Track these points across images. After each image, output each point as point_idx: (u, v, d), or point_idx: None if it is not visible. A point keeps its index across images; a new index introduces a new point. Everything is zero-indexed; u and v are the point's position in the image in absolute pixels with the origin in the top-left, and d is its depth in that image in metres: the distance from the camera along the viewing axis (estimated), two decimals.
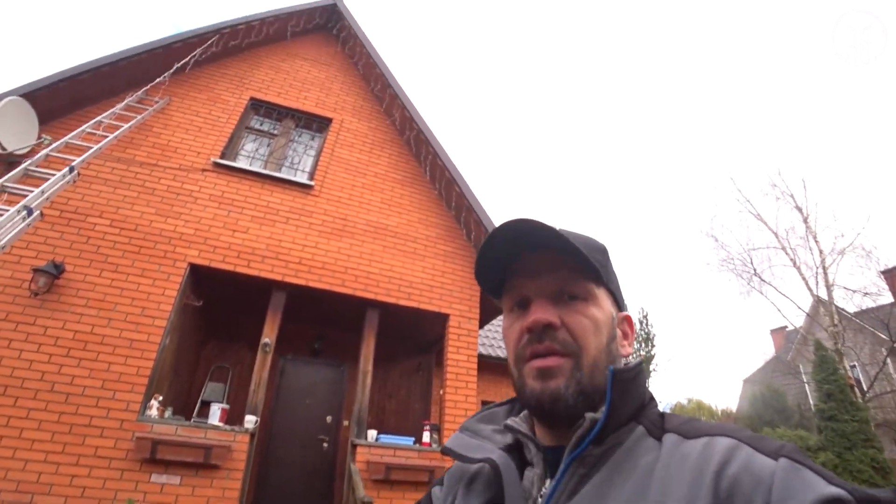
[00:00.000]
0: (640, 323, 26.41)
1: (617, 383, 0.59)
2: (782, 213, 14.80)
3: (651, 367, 24.18)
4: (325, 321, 7.05)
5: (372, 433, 5.34)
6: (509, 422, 0.68)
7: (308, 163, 6.77)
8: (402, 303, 6.09)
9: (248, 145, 6.63)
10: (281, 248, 5.73)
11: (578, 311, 0.64)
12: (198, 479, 4.29)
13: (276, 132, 6.84)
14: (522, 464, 0.64)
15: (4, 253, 4.12)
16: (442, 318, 6.35)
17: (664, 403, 24.67)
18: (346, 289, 5.85)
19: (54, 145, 4.95)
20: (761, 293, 14.92)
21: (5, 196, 4.24)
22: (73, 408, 4.24)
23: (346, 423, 6.86)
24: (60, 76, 5.54)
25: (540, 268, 0.66)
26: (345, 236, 6.14)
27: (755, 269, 14.93)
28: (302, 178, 6.48)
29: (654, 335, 25.60)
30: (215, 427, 4.54)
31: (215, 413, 4.71)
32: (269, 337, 5.31)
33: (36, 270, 4.52)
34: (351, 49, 7.75)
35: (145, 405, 4.46)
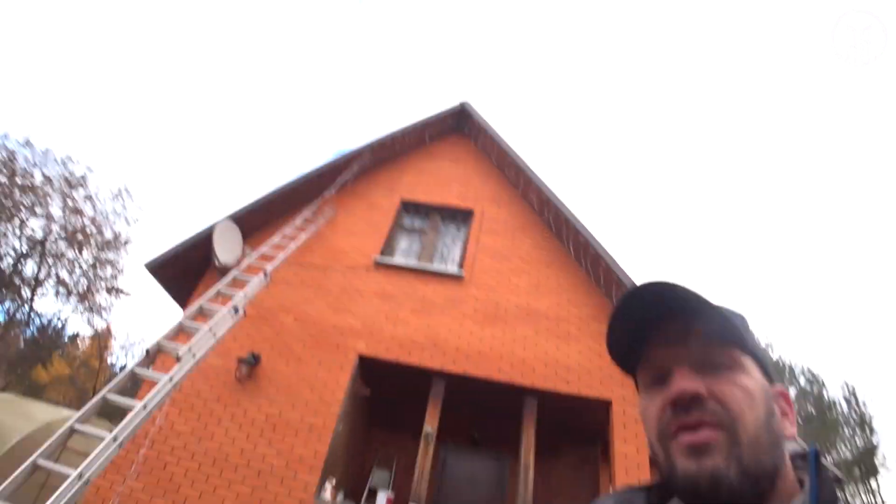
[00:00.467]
0: (848, 403, 21.54)
1: (820, 469, 0.53)
2: None
3: (876, 461, 19.14)
4: (483, 411, 6.98)
5: None
6: None
7: (456, 253, 7.17)
8: (560, 389, 5.82)
9: (403, 243, 7.28)
10: (438, 337, 5.98)
11: (727, 379, 0.57)
12: None
13: (425, 228, 7.44)
14: None
15: (218, 345, 4.89)
16: (604, 405, 5.89)
17: None
18: (503, 375, 5.80)
19: (253, 255, 5.92)
20: None
21: (220, 298, 5.13)
22: (263, 483, 4.75)
23: None
24: (259, 202, 6.80)
25: (677, 336, 0.61)
26: (497, 322, 6.22)
27: None
28: (452, 268, 6.85)
29: (872, 417, 20.67)
30: None
31: (382, 500, 4.84)
32: (430, 425, 5.40)
33: (240, 360, 5.36)
34: (483, 144, 8.35)
35: (321, 487, 4.76)
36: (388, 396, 6.89)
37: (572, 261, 7.07)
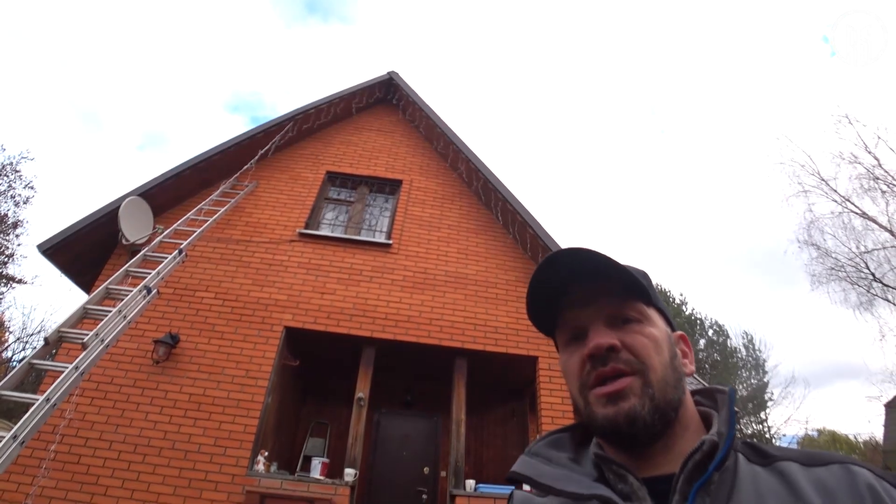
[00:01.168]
0: (746, 349, 23.93)
1: (733, 404, 0.60)
2: (893, 207, 12.87)
3: (766, 397, 21.56)
4: (415, 374, 7.11)
5: (470, 483, 5.17)
6: (597, 450, 0.64)
7: (384, 223, 7.12)
8: (489, 349, 6.03)
9: (329, 214, 7.12)
10: (367, 305, 5.96)
11: (636, 331, 0.63)
12: None
13: (352, 199, 7.32)
14: None
15: (130, 328, 4.62)
16: (531, 361, 6.17)
17: (789, 437, 21.64)
18: (433, 339, 5.91)
19: (165, 233, 5.59)
20: (888, 300, 13.10)
21: (130, 279, 4.82)
22: (191, 463, 4.59)
23: (443, 473, 6.71)
24: (167, 175, 6.38)
25: (588, 297, 0.66)
26: (426, 289, 6.29)
27: (873, 275, 13.22)
28: (380, 238, 6.81)
29: (766, 360, 23.09)
30: (317, 480, 4.68)
31: (316, 467, 4.84)
32: (362, 392, 5.43)
33: (156, 342, 5.09)
34: (411, 115, 8.28)
35: (253, 460, 4.69)
36: (319, 366, 6.84)
37: (500, 228, 7.24)
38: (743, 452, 0.58)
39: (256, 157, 6.98)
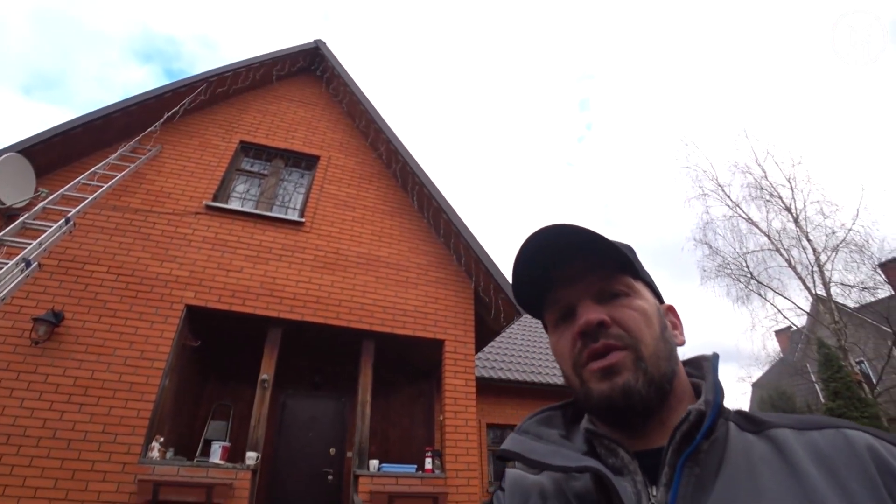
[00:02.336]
0: None
1: (717, 371, 0.61)
2: (773, 215, 14.71)
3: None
4: (323, 355, 7.12)
5: (374, 463, 5.36)
6: (588, 426, 0.64)
7: (298, 200, 6.95)
8: (398, 331, 6.18)
9: (240, 187, 6.82)
10: (275, 285, 5.85)
11: (625, 305, 0.63)
12: None
13: (266, 172, 7.05)
14: None
15: (5, 304, 4.25)
16: (437, 344, 6.41)
17: None
18: (341, 321, 5.94)
19: (50, 198, 5.11)
20: (760, 295, 14.90)
21: (4, 249, 4.38)
22: (75, 453, 4.27)
23: (349, 454, 6.86)
24: (54, 131, 5.76)
25: (575, 274, 0.66)
26: (337, 270, 6.27)
27: (752, 273, 14.95)
28: (293, 215, 6.65)
29: None
30: (217, 465, 4.58)
31: (216, 451, 4.75)
32: (267, 373, 5.39)
33: (36, 320, 4.63)
34: (335, 88, 8.04)
35: (147, 447, 4.50)
36: (223, 347, 6.66)
37: (415, 212, 7.34)
38: (735, 421, 0.59)
39: (162, 120, 6.51)
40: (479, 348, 7.57)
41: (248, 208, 6.42)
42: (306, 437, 6.87)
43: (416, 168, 7.15)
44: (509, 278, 6.83)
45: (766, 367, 18.95)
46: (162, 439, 4.61)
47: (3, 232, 4.47)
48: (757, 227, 15.24)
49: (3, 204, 5.26)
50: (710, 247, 15.91)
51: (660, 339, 0.62)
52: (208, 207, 6.13)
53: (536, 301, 0.70)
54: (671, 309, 0.71)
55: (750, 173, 15.68)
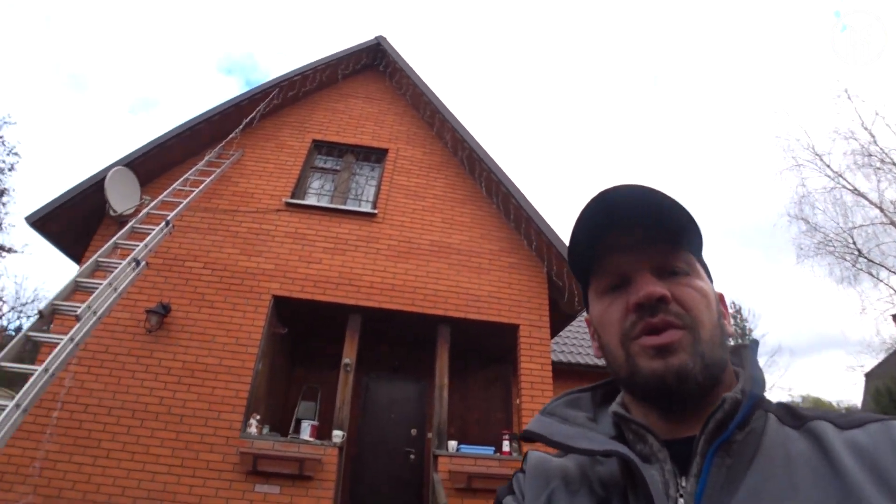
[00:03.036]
0: (734, 318, 24.74)
1: (755, 358, 0.58)
2: (885, 184, 12.95)
3: None
4: (402, 340, 7.36)
5: (452, 444, 5.49)
6: (617, 409, 0.61)
7: (370, 193, 7.20)
8: (472, 316, 6.25)
9: (315, 183, 7.18)
10: (353, 274, 6.13)
11: (686, 283, 0.59)
12: (294, 489, 4.73)
13: (338, 168, 7.36)
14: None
15: (122, 299, 4.76)
16: (512, 329, 6.42)
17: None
18: (417, 307, 6.12)
19: (152, 204, 5.63)
20: (871, 275, 13.37)
21: (119, 251, 4.92)
22: (187, 427, 4.88)
23: (429, 435, 7.07)
24: (152, 144, 6.37)
25: (635, 243, 0.61)
26: (411, 258, 6.45)
27: (860, 250, 13.45)
28: (366, 207, 6.91)
29: (752, 330, 23.88)
30: (307, 442, 4.97)
31: (306, 429, 5.13)
32: (349, 357, 5.68)
33: (148, 311, 5.26)
34: (398, 82, 8.21)
35: (246, 423, 4.97)
36: (308, 333, 7.07)
37: (485, 198, 7.35)
38: (776, 413, 0.55)
39: (241, 126, 6.96)
40: (554, 333, 7.48)
41: (323, 203, 6.76)
42: (388, 418, 7.18)
43: (483, 154, 7.16)
44: None
45: (882, 356, 17.14)
46: (258, 417, 5.05)
47: (117, 236, 5.00)
48: (865, 198, 13.53)
49: (116, 212, 5.88)
50: (808, 222, 14.48)
51: (717, 325, 0.58)
52: (288, 204, 6.51)
53: (586, 263, 0.65)
54: (721, 298, 0.66)
55: (854, 139, 13.79)
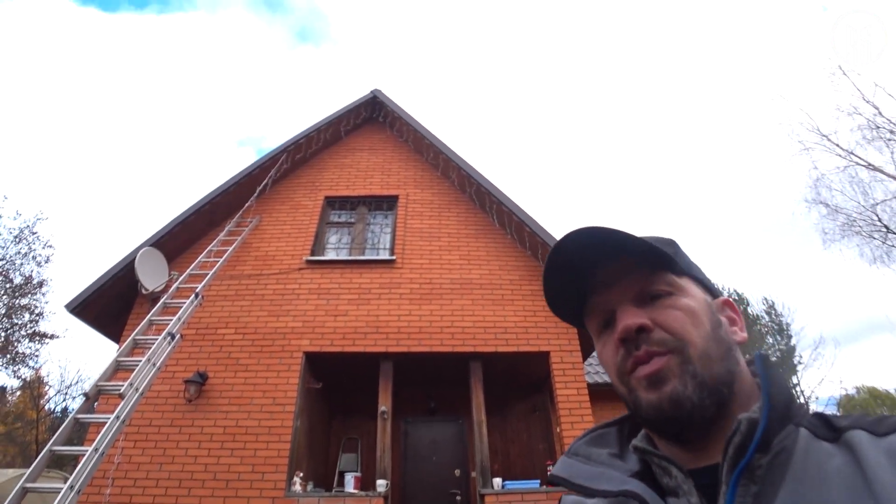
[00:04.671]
0: (769, 314, 23.84)
1: (769, 371, 0.54)
2: None
3: (795, 361, 21.40)
4: (435, 381, 7.36)
5: (497, 481, 5.41)
6: (638, 443, 0.59)
7: (386, 240, 7.38)
8: (501, 349, 6.25)
9: (333, 238, 7.40)
10: (379, 322, 6.23)
11: (667, 305, 0.58)
12: None
13: (353, 220, 7.58)
14: (659, 495, 0.54)
15: (161, 372, 4.93)
16: (543, 357, 6.38)
17: (824, 399, 21.34)
18: (445, 347, 6.16)
19: (181, 279, 5.87)
20: None
21: (154, 328, 5.13)
22: (233, 491, 4.96)
23: (473, 474, 6.96)
24: (174, 222, 6.71)
25: (611, 277, 0.61)
26: (433, 298, 6.53)
27: (887, 226, 12.91)
28: (384, 255, 7.07)
29: (789, 324, 23.01)
30: (352, 494, 5.00)
31: (350, 482, 5.17)
32: (384, 405, 5.71)
33: (187, 381, 5.45)
34: (399, 130, 8.51)
35: (290, 482, 5.00)
36: (342, 385, 7.13)
37: (498, 230, 7.45)
38: (810, 427, 0.51)
39: (256, 194, 7.27)
40: (587, 355, 7.40)
41: (342, 256, 6.96)
42: (430, 461, 7.11)
43: (491, 187, 7.30)
44: None
45: None
46: (301, 474, 5.09)
47: (151, 313, 5.23)
48: (882, 171, 13.07)
49: (147, 290, 6.15)
50: (827, 205, 14.07)
51: (710, 339, 0.56)
52: (308, 262, 6.72)
53: (575, 310, 0.66)
54: (727, 303, 0.65)
55: (859, 114, 13.41)
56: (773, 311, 23.76)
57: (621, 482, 0.56)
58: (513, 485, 5.45)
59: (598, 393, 8.59)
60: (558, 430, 5.91)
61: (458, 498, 6.80)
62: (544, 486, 5.43)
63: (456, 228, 7.40)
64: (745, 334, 0.62)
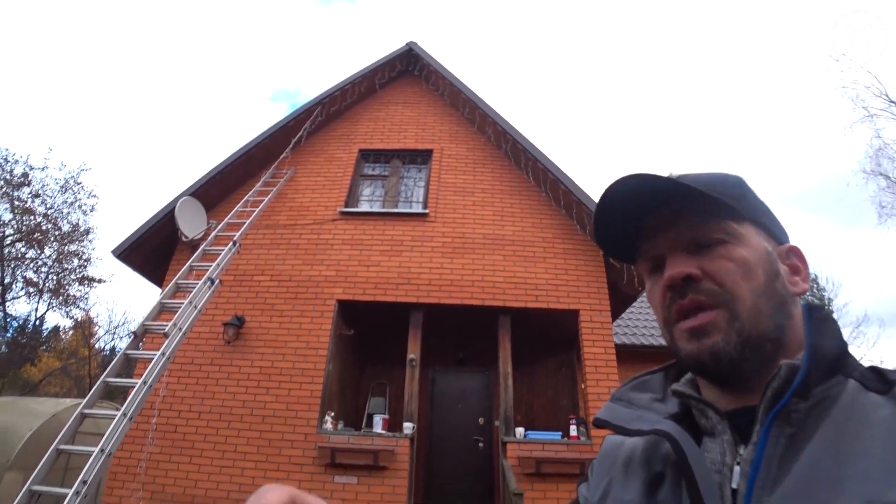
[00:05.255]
0: (812, 290, 23.05)
1: (815, 322, 0.52)
2: None
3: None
4: (464, 333, 7.47)
5: (520, 430, 5.54)
6: (677, 387, 0.60)
7: (420, 194, 7.37)
8: (531, 305, 6.27)
9: (366, 190, 7.45)
10: (410, 273, 6.33)
11: (720, 255, 0.56)
12: (371, 479, 5.06)
13: (386, 173, 7.59)
14: (694, 434, 0.55)
15: (202, 315, 5.17)
16: (573, 315, 6.36)
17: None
18: (475, 300, 6.21)
19: (219, 227, 6.07)
20: None
21: (194, 273, 5.35)
22: (268, 426, 5.35)
23: (497, 423, 7.14)
24: (212, 173, 6.88)
25: (664, 222, 0.59)
26: (465, 253, 6.55)
27: None
28: (417, 208, 7.09)
29: (832, 299, 22.16)
30: (380, 434, 5.30)
31: (378, 423, 5.45)
32: (413, 353, 5.87)
33: (225, 324, 5.78)
34: (434, 84, 8.34)
35: (321, 420, 5.35)
36: (373, 333, 7.34)
37: (533, 187, 7.31)
38: (861, 379, 0.50)
39: (291, 145, 7.33)
40: (616, 315, 7.35)
41: (376, 208, 7.01)
42: (456, 409, 7.36)
43: (527, 144, 7.14)
44: None
45: None
46: (333, 414, 5.41)
47: (191, 259, 5.45)
48: None
49: (187, 237, 6.38)
50: (888, 177, 13.33)
51: (762, 293, 0.54)
52: (342, 213, 6.81)
53: (629, 252, 0.65)
54: (794, 250, 0.62)
55: None
56: (815, 285, 22.88)
57: (655, 423, 0.57)
58: (535, 434, 5.58)
59: (624, 354, 8.59)
60: (583, 386, 5.95)
61: (481, 444, 7.05)
62: (566, 439, 5.53)
63: (490, 184, 7.32)
64: (806, 285, 0.60)
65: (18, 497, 3.31)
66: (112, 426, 3.69)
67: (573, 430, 5.61)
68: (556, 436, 5.58)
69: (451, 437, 7.12)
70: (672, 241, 0.58)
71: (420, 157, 7.72)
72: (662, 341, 9.70)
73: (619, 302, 7.10)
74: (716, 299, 0.54)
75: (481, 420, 7.30)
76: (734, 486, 0.49)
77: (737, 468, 0.50)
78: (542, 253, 6.68)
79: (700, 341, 0.53)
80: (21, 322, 17.87)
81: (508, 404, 5.72)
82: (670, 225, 0.59)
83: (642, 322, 10.70)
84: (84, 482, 3.33)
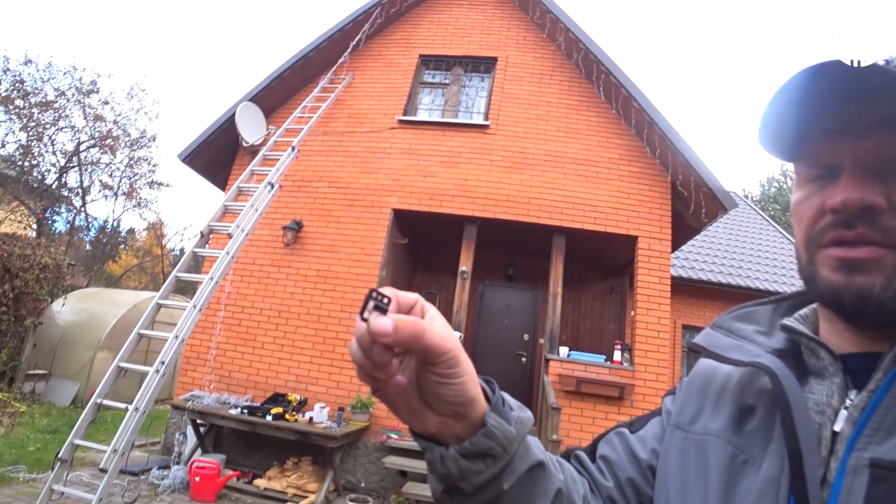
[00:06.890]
0: None
1: None
2: None
3: None
4: (516, 249, 7.47)
5: (564, 349, 5.59)
6: (788, 322, 0.53)
7: (481, 104, 7.03)
8: (588, 227, 6.07)
9: (426, 98, 7.17)
10: (467, 186, 6.22)
11: None
12: None
13: (447, 81, 7.24)
14: (798, 374, 0.49)
15: (263, 218, 5.34)
16: (630, 241, 6.14)
17: None
18: (531, 217, 6.07)
19: (277, 133, 6.06)
20: None
21: (255, 177, 5.44)
22: (323, 325, 5.77)
23: (541, 340, 7.26)
24: (270, 77, 6.80)
25: (860, 126, 0.45)
26: (525, 168, 6.32)
27: None
28: (477, 119, 6.79)
29: None
30: None
31: None
32: (465, 265, 5.91)
33: (285, 228, 6.03)
34: None
35: None
36: (426, 243, 7.48)
37: (603, 103, 6.79)
38: None
39: (349, 49, 7.05)
40: (676, 246, 7.03)
41: (435, 118, 6.78)
42: (502, 323, 7.54)
43: (601, 54, 6.54)
44: (712, 170, 5.96)
45: None
46: None
47: (252, 164, 5.53)
48: None
49: (247, 143, 6.45)
50: None
51: None
52: (400, 122, 6.64)
53: (789, 144, 0.52)
54: None
55: None
56: None
57: (755, 355, 0.52)
58: (578, 355, 5.62)
59: (680, 286, 8.33)
60: (633, 314, 5.84)
61: (524, 359, 7.25)
62: (608, 363, 5.54)
63: (556, 98, 6.86)
64: None
65: (108, 371, 3.74)
66: (184, 316, 4.01)
67: (616, 356, 5.61)
68: (600, 359, 5.60)
69: (495, 349, 7.35)
70: (860, 152, 0.45)
71: (483, 65, 7.28)
72: (722, 278, 9.33)
73: (683, 232, 6.74)
74: (891, 240, 0.43)
75: (526, 336, 7.45)
76: (836, 428, 0.45)
77: (843, 412, 0.45)
78: (605, 174, 6.34)
79: (851, 276, 0.44)
80: (101, 223, 19.46)
81: (555, 323, 5.74)
82: (864, 131, 0.45)
83: (703, 256, 10.23)
84: (162, 362, 3.71)
